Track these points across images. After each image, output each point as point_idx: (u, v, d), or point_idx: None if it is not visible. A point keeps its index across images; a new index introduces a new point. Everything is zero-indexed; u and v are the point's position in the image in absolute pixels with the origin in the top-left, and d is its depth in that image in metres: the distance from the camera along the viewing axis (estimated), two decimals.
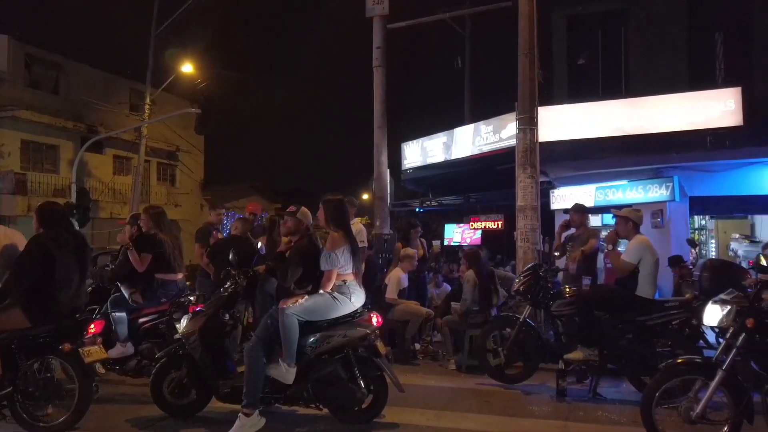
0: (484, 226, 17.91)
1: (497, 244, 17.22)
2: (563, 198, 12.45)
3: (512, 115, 9.25)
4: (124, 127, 21.65)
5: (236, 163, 50.28)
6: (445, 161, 16.91)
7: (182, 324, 5.16)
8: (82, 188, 18.99)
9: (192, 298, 6.06)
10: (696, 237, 12.87)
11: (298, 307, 4.61)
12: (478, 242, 16.77)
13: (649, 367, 5.19)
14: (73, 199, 16.83)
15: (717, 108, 10.34)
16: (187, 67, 20.37)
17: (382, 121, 11.16)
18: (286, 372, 4.56)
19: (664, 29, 11.48)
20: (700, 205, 11.51)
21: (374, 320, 4.83)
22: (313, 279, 4.84)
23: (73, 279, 4.75)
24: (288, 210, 5.32)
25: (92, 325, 5.54)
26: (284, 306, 4.61)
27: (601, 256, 10.75)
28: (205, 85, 22.14)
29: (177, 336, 5.42)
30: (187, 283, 6.91)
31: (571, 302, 6.06)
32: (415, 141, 18.25)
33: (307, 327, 4.66)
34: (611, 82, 12.31)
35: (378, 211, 11.13)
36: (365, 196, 20.84)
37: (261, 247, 7.64)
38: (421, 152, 17.88)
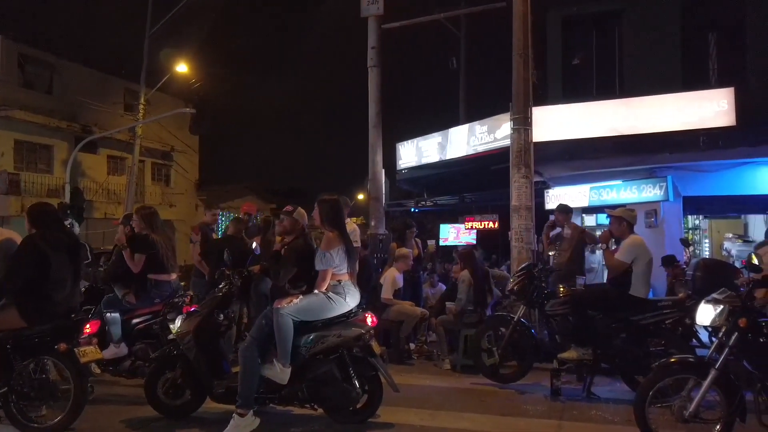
0: (480, 226, 17.94)
1: (492, 244, 17.26)
2: (558, 198, 12.46)
3: (507, 115, 9.28)
4: (119, 127, 21.58)
5: (231, 163, 50.31)
6: (440, 161, 16.94)
7: (177, 324, 5.15)
8: (76, 188, 18.95)
9: (186, 299, 6.06)
10: (689, 237, 12.94)
11: (292, 307, 4.61)
12: (473, 242, 16.79)
13: (643, 366, 5.20)
14: (67, 199, 16.79)
15: (710, 108, 10.39)
16: (182, 67, 20.33)
17: (377, 121, 11.18)
18: (280, 372, 4.56)
19: (658, 30, 11.52)
20: (693, 204, 11.57)
21: (369, 320, 4.83)
22: (308, 279, 4.84)
23: (68, 279, 4.74)
24: (285, 209, 5.32)
25: (88, 325, 5.53)
26: (279, 306, 4.61)
27: (599, 255, 10.81)
28: (199, 85, 22.16)
29: (171, 336, 5.43)
30: (182, 283, 6.90)
31: (565, 302, 6.07)
32: (410, 141, 18.26)
33: (302, 327, 4.66)
34: (605, 83, 12.35)
35: (373, 211, 11.16)
36: (360, 196, 20.89)
37: (256, 247, 7.63)
38: (416, 152, 17.90)
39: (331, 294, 4.69)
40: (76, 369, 4.54)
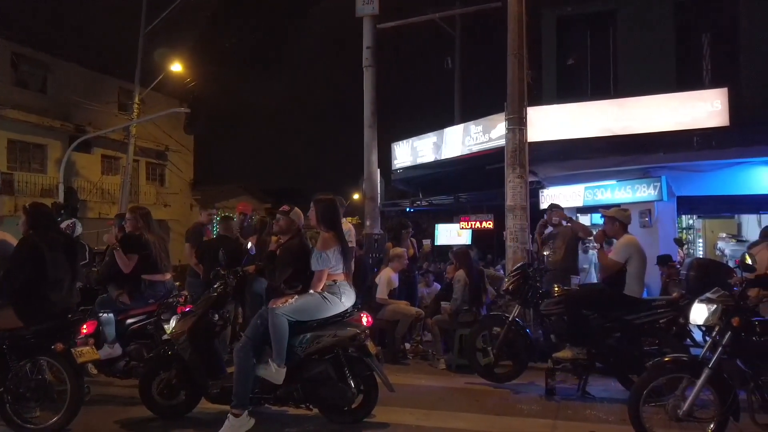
0: (476, 225, 17.94)
1: (487, 244, 17.29)
2: (552, 198, 12.50)
3: (502, 116, 9.29)
4: (113, 126, 21.47)
5: (226, 162, 50.07)
6: (435, 161, 16.96)
7: (171, 324, 5.14)
8: (70, 188, 18.87)
9: (180, 299, 6.04)
10: (683, 236, 13.00)
11: (288, 307, 4.60)
12: (466, 242, 16.79)
13: (637, 365, 5.22)
14: (61, 198, 16.70)
15: (704, 108, 10.44)
16: (176, 67, 20.22)
17: (372, 120, 11.17)
18: (276, 372, 4.56)
19: (652, 30, 11.57)
20: (687, 204, 11.61)
21: (364, 320, 4.83)
22: (303, 279, 4.83)
23: (65, 279, 4.74)
24: (281, 209, 5.32)
25: (84, 326, 5.51)
26: (274, 306, 4.60)
27: (591, 255, 10.86)
28: (194, 85, 22.06)
29: (166, 337, 5.42)
30: (177, 283, 6.88)
31: (560, 301, 6.09)
32: (405, 141, 18.28)
33: (298, 327, 4.65)
34: (600, 83, 12.38)
35: (368, 211, 11.14)
36: (356, 196, 20.84)
37: (251, 247, 7.62)
38: (412, 152, 17.91)
39: (326, 294, 4.69)
40: (73, 369, 4.53)
